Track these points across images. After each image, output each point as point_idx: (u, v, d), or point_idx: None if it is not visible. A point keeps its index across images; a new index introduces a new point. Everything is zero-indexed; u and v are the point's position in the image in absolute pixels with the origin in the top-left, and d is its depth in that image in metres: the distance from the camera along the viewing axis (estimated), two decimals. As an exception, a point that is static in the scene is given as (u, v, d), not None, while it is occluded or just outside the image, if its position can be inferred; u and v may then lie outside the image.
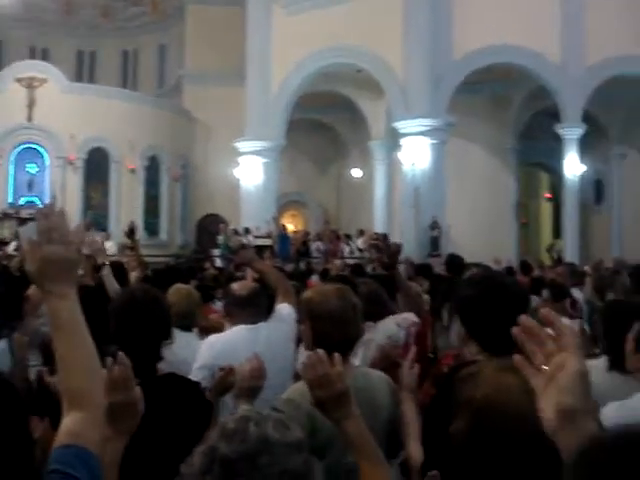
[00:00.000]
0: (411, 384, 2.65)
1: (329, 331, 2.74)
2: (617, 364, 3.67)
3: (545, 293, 7.02)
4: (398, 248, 6.06)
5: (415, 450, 2.50)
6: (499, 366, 1.61)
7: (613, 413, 2.94)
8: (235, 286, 4.13)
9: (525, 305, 2.80)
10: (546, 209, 30.12)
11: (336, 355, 2.16)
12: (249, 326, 3.89)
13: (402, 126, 20.86)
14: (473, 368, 1.80)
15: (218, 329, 4.33)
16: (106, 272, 5.95)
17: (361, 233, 23.19)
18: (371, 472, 1.98)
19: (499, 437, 1.40)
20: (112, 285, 5.83)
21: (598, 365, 3.67)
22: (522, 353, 1.37)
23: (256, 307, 3.96)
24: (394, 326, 4.50)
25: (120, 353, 2.12)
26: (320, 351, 2.14)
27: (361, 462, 2.01)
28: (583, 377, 1.28)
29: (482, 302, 2.64)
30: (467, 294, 2.76)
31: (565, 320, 5.33)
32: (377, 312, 4.58)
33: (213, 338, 3.93)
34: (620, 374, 3.65)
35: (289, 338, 3.94)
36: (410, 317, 4.77)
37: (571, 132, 21.60)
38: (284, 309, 4.02)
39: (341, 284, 3.19)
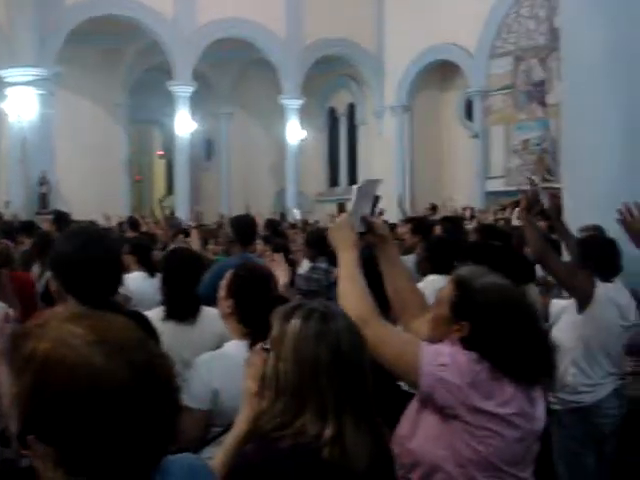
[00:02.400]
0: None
1: None
2: (172, 314, 3.84)
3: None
4: None
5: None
6: (67, 315, 1.49)
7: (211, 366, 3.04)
8: None
9: (118, 257, 2.80)
10: (159, 166, 30.48)
11: None
12: None
13: (7, 75, 19.51)
14: (39, 320, 1.65)
15: None
16: None
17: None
18: None
19: (65, 393, 1.28)
20: None
21: (153, 317, 3.78)
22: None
23: None
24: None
25: None
26: None
27: None
28: None
29: (78, 256, 2.61)
30: (62, 249, 2.70)
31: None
32: None
33: None
34: (175, 323, 3.82)
35: None
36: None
37: (182, 90, 21.99)
38: None
39: None
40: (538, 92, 20.74)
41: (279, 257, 4.17)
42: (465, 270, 2.40)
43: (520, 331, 2.22)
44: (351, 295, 2.34)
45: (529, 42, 21.01)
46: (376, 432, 1.86)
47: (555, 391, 4.37)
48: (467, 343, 2.24)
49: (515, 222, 9.30)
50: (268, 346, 1.91)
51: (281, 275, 3.93)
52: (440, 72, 24.09)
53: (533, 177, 7.48)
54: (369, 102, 25.58)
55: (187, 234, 8.93)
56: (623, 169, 5.66)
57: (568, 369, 4.40)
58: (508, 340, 2.20)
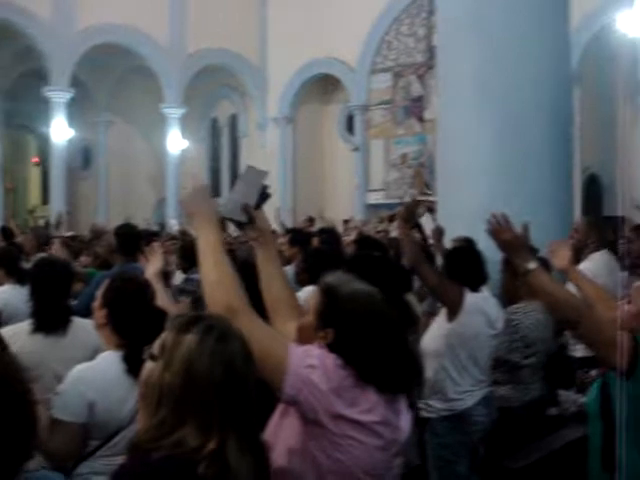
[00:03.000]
0: None
1: None
2: (42, 326, 3.72)
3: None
4: None
5: None
6: None
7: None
8: None
9: None
10: (34, 173, 29.50)
11: None
12: None
13: None
14: None
15: None
16: None
17: None
18: None
19: None
20: None
21: (21, 331, 3.67)
22: None
23: None
24: None
25: None
26: None
27: None
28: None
29: None
30: None
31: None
32: None
33: None
34: (45, 336, 3.71)
35: None
36: None
37: (59, 96, 21.32)
38: None
39: None
40: (416, 108, 21.27)
41: (156, 245, 4.07)
42: (332, 278, 2.33)
43: (384, 340, 2.18)
44: (219, 282, 2.18)
45: (408, 59, 21.53)
46: (259, 452, 1.82)
47: (425, 399, 4.48)
48: (332, 350, 2.18)
49: (393, 234, 9.50)
50: (155, 352, 1.81)
51: (153, 262, 3.83)
52: (322, 85, 24.35)
53: (412, 191, 7.76)
54: (252, 113, 25.58)
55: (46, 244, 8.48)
56: (494, 185, 5.87)
57: (438, 377, 4.52)
58: (371, 349, 2.15)
